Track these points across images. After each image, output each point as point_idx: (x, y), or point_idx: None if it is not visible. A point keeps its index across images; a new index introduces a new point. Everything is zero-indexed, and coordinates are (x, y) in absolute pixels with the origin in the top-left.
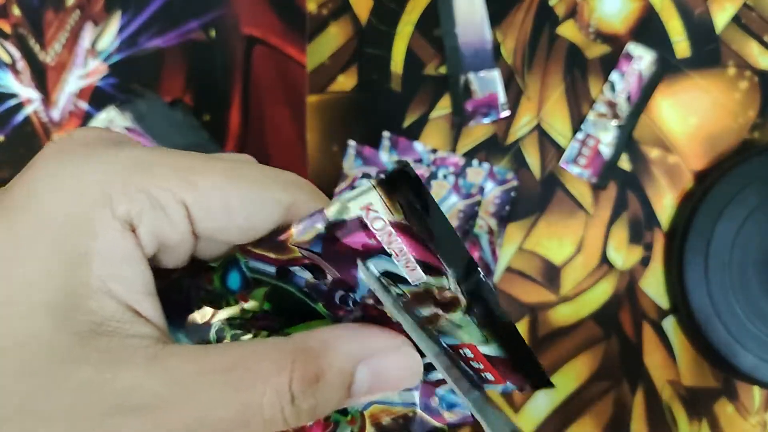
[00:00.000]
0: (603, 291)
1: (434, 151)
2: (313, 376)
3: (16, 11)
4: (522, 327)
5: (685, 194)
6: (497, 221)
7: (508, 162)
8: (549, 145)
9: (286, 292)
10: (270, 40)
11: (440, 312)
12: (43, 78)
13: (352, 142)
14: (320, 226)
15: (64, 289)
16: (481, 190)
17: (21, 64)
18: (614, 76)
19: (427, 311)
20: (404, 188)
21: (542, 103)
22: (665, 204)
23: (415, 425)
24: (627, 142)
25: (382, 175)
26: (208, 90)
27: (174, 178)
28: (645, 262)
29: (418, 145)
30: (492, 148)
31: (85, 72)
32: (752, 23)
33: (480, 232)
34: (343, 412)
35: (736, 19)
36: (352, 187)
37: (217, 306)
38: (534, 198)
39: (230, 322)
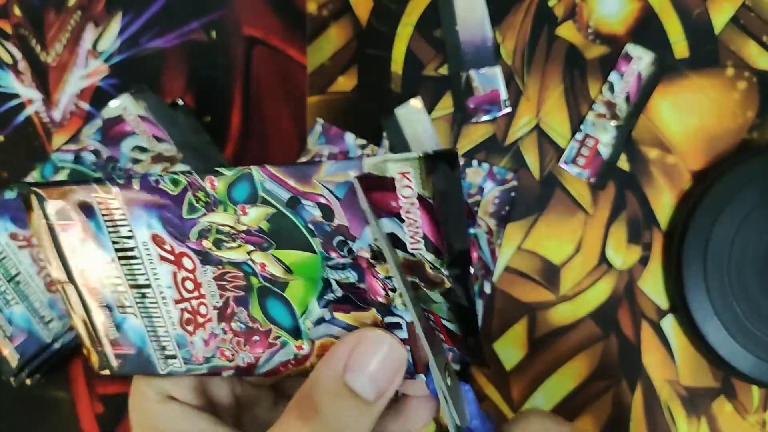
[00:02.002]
0: (602, 290)
1: (363, 146)
2: (311, 411)
3: (17, 11)
4: (521, 326)
5: (683, 194)
6: (496, 221)
7: (508, 162)
8: (548, 146)
9: (289, 220)
10: (270, 41)
11: (422, 285)
12: (44, 78)
13: (320, 120)
14: (352, 174)
15: None
16: (481, 190)
17: (22, 65)
18: (613, 76)
19: (409, 278)
20: (442, 171)
21: (541, 104)
22: (664, 204)
23: None
24: (626, 142)
25: (430, 152)
26: (208, 91)
27: None
28: (644, 261)
29: (349, 137)
30: (491, 149)
31: (86, 72)
32: (751, 24)
33: (479, 232)
34: (296, 335)
35: (735, 20)
36: (312, 161)
37: (210, 209)
38: (533, 198)
39: (220, 226)
